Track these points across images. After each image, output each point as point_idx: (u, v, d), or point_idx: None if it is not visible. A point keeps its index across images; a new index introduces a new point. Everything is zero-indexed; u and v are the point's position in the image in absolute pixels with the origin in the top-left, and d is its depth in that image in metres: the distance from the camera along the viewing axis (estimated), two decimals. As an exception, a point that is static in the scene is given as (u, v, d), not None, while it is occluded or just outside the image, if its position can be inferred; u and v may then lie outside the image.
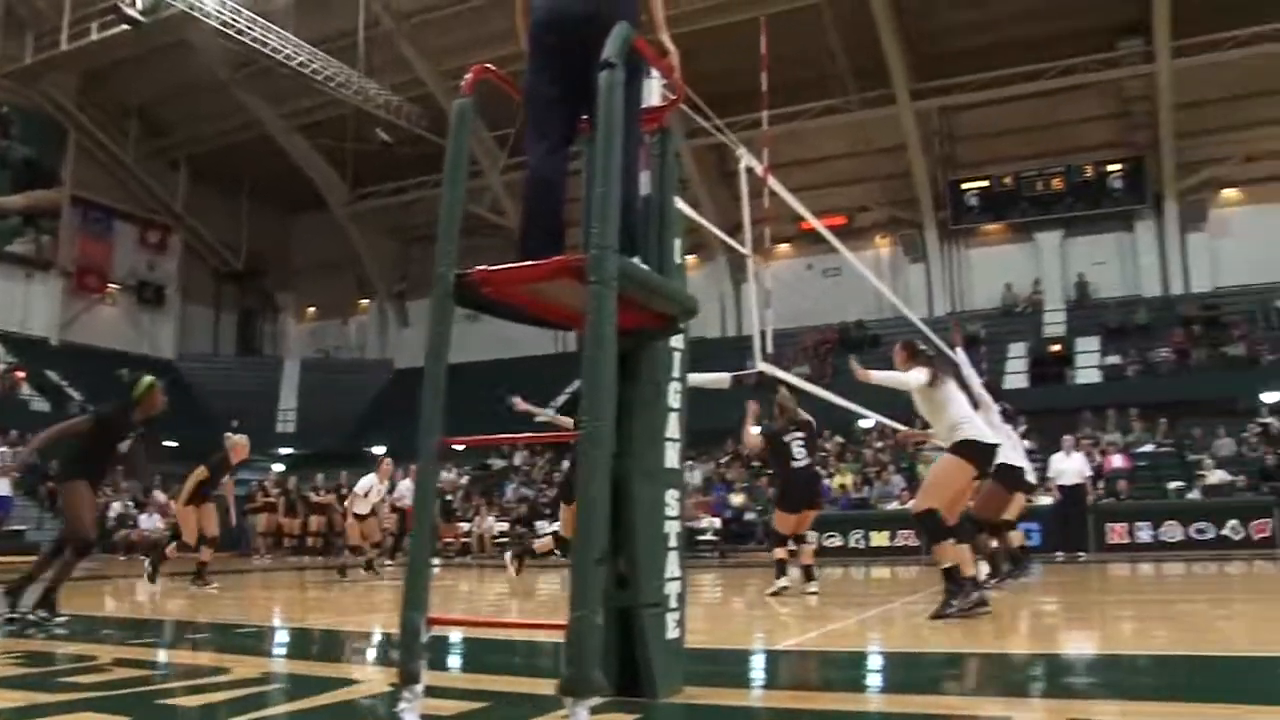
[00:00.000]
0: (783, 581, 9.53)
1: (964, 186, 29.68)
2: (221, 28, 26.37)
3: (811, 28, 26.01)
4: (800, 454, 9.75)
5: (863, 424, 22.10)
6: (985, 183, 29.35)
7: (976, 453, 7.16)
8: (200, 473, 12.02)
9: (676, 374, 4.07)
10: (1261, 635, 6.23)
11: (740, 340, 27.55)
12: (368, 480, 14.90)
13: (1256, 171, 27.39)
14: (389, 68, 29.79)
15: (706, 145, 25.41)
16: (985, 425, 7.55)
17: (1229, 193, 27.95)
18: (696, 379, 5.35)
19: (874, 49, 26.86)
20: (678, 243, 4.14)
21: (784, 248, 29.84)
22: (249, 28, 26.66)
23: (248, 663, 5.35)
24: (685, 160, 26.09)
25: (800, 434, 9.80)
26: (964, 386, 8.04)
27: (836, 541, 18.43)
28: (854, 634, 6.66)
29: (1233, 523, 17.10)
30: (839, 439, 22.67)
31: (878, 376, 7.43)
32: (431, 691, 3.29)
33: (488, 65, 3.84)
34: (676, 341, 4.07)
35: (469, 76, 3.79)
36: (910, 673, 5.14)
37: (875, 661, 5.54)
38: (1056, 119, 28.53)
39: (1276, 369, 22.71)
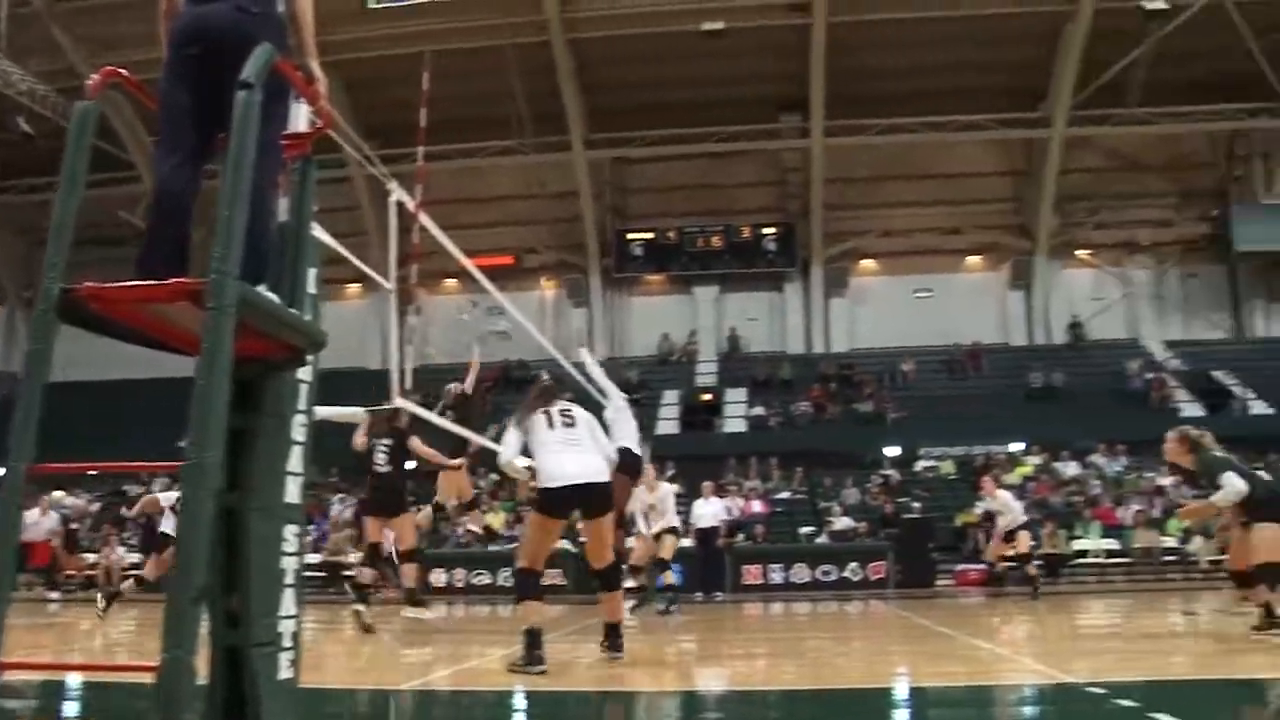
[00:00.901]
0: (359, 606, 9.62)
1: (629, 236, 30.92)
2: None
3: (495, 69, 26.31)
4: (382, 460, 10.01)
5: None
6: (650, 234, 30.74)
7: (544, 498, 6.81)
8: None
9: (302, 406, 3.96)
10: (874, 669, 6.81)
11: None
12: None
13: (891, 245, 30.38)
14: (38, 52, 27.24)
15: (377, 175, 25.01)
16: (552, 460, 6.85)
17: (867, 263, 30.82)
18: (329, 412, 5.25)
19: (554, 96, 27.55)
20: (313, 272, 4.05)
21: (451, 283, 29.81)
22: None
23: None
24: (357, 189, 25.39)
25: (387, 442, 10.06)
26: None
27: (485, 579, 18.47)
28: (486, 673, 6.68)
29: (853, 565, 18.64)
30: (493, 477, 22.71)
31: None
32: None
33: (119, 70, 3.63)
34: (304, 373, 3.97)
35: (95, 78, 3.56)
36: (545, 712, 5.22)
37: (510, 702, 5.57)
38: (720, 181, 30.44)
39: (899, 426, 25.07)
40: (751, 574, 18.69)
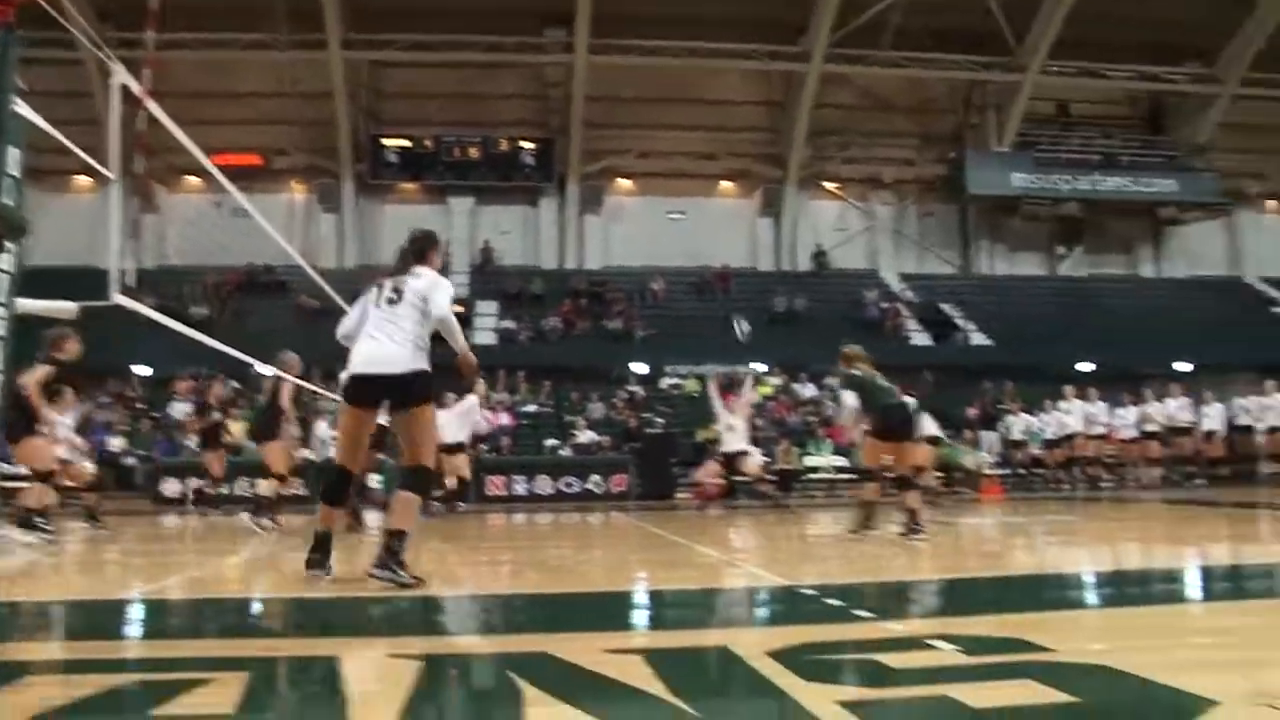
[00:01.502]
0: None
1: (385, 143, 29.99)
2: None
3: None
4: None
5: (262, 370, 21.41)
6: (406, 142, 29.91)
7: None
8: None
9: (3, 299, 3.63)
10: (612, 576, 7.00)
11: (142, 272, 25.53)
12: None
13: (648, 167, 30.75)
14: None
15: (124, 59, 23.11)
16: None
17: (623, 182, 31.11)
18: (37, 306, 4.83)
19: (311, -10, 26.15)
20: (14, 153, 3.68)
21: (194, 181, 28.10)
22: None
23: None
24: (89, 73, 23.37)
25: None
26: None
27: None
28: (210, 582, 6.44)
29: (596, 477, 19.09)
30: (234, 384, 21.79)
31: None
32: None
33: None
34: (4, 263, 3.63)
35: None
36: (286, 616, 5.09)
37: (246, 608, 5.39)
38: (481, 91, 29.86)
39: (646, 344, 25.61)
40: (495, 485, 18.87)
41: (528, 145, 30.32)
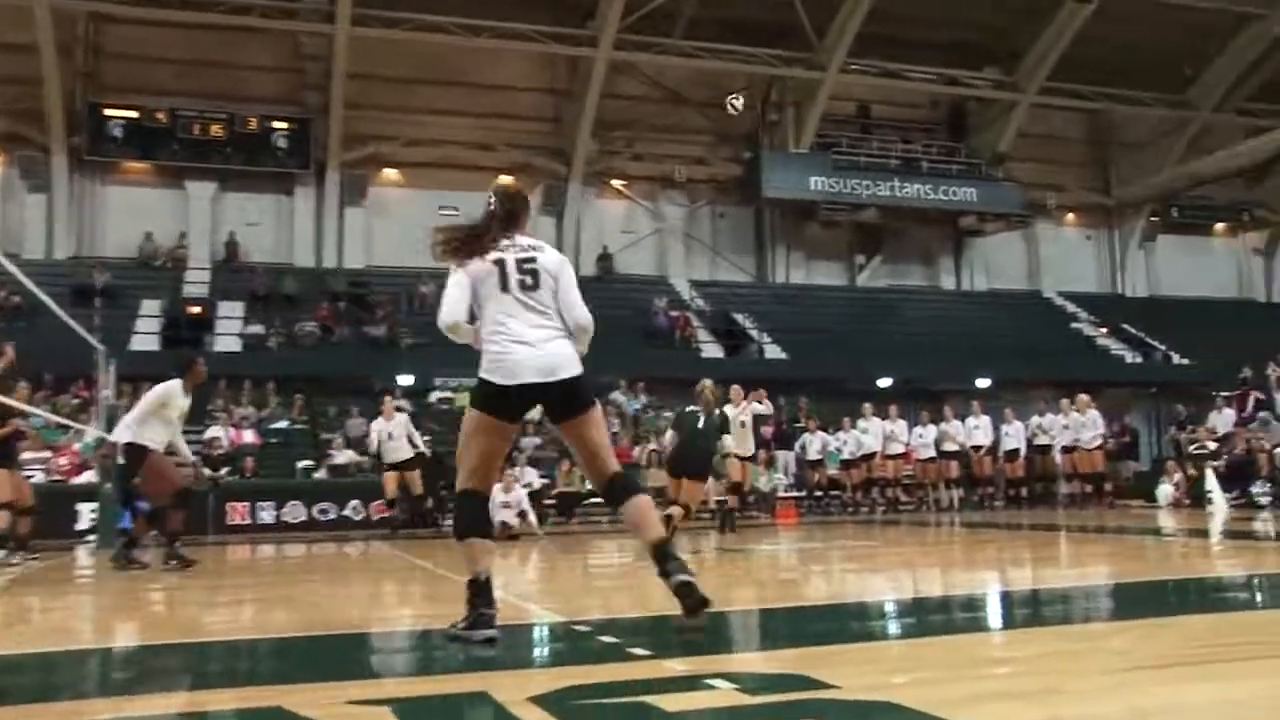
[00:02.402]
0: None
1: (107, 113, 28.24)
2: None
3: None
4: None
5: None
6: (133, 113, 28.23)
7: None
8: None
9: None
10: (369, 615, 6.88)
11: None
12: None
13: (418, 156, 30.28)
14: None
15: None
16: None
17: (389, 172, 30.56)
18: None
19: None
20: None
21: None
22: None
23: None
24: None
25: None
26: None
27: None
28: None
29: (354, 503, 18.65)
30: None
31: None
32: None
33: None
34: None
35: None
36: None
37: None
38: (226, 59, 28.85)
39: (414, 352, 25.18)
40: (238, 512, 18.21)
41: (281, 126, 29.24)
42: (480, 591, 4.86)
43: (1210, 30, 32.24)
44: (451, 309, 5.01)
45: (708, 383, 12.06)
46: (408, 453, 16.82)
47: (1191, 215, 37.12)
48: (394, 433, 16.78)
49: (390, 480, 16.77)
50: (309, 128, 29.32)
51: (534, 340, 4.96)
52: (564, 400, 5.07)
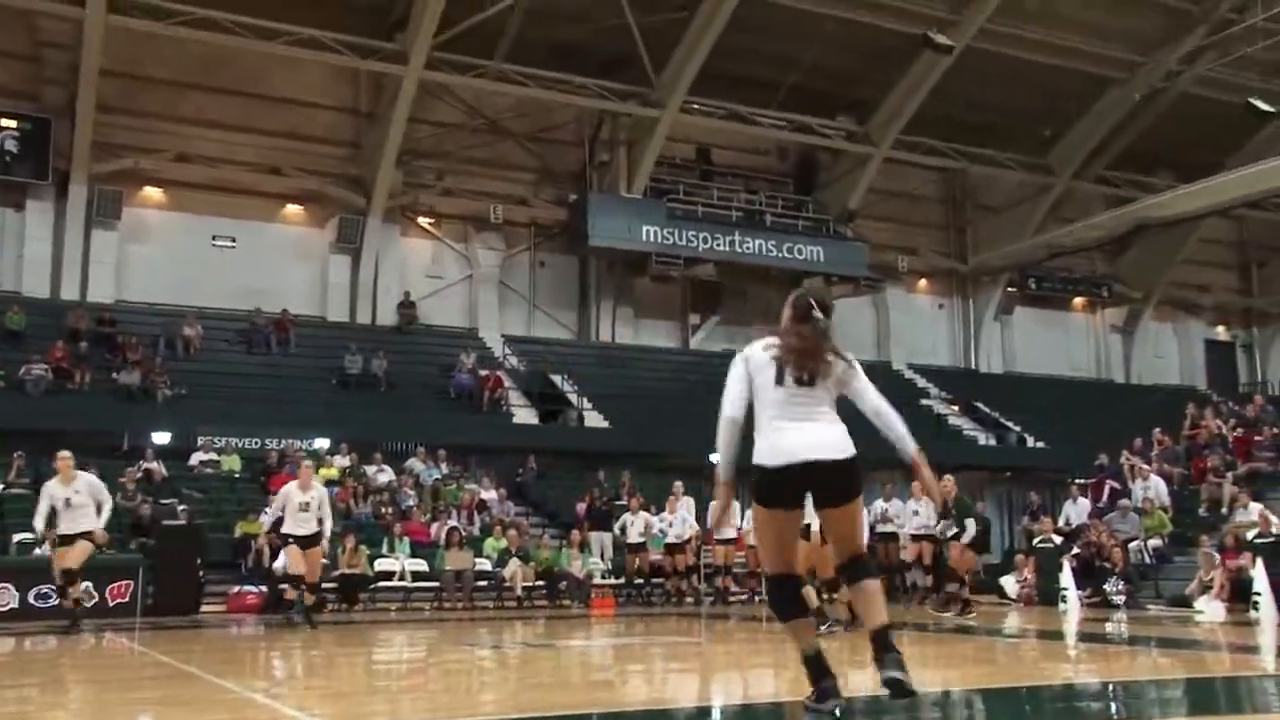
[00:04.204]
0: None
1: None
2: None
3: None
4: None
5: None
6: None
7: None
8: None
9: None
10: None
11: None
12: None
13: (188, 174, 29.34)
14: None
15: None
16: None
17: (152, 192, 29.46)
18: None
19: None
20: None
21: None
22: None
23: None
24: None
25: None
26: None
27: None
28: None
29: (87, 584, 17.61)
30: None
31: None
32: None
33: None
34: None
35: None
36: None
37: None
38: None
39: (174, 406, 24.28)
40: (-63, 594, 17.08)
41: (10, 125, 27.85)
42: (815, 665, 5.67)
43: (1072, 92, 34.14)
44: None
45: None
46: (90, 524, 14.58)
47: (1049, 288, 38.89)
48: (72, 499, 14.56)
49: (62, 555, 14.63)
50: (49, 130, 28.01)
51: None
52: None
